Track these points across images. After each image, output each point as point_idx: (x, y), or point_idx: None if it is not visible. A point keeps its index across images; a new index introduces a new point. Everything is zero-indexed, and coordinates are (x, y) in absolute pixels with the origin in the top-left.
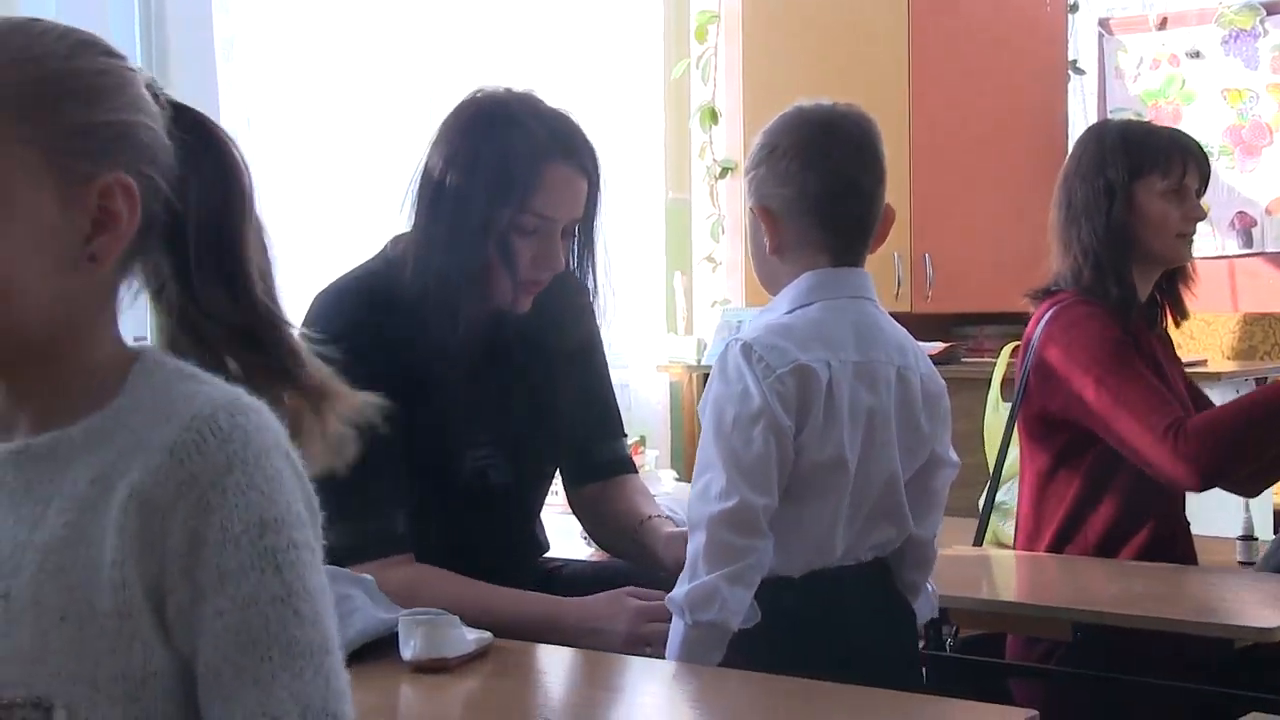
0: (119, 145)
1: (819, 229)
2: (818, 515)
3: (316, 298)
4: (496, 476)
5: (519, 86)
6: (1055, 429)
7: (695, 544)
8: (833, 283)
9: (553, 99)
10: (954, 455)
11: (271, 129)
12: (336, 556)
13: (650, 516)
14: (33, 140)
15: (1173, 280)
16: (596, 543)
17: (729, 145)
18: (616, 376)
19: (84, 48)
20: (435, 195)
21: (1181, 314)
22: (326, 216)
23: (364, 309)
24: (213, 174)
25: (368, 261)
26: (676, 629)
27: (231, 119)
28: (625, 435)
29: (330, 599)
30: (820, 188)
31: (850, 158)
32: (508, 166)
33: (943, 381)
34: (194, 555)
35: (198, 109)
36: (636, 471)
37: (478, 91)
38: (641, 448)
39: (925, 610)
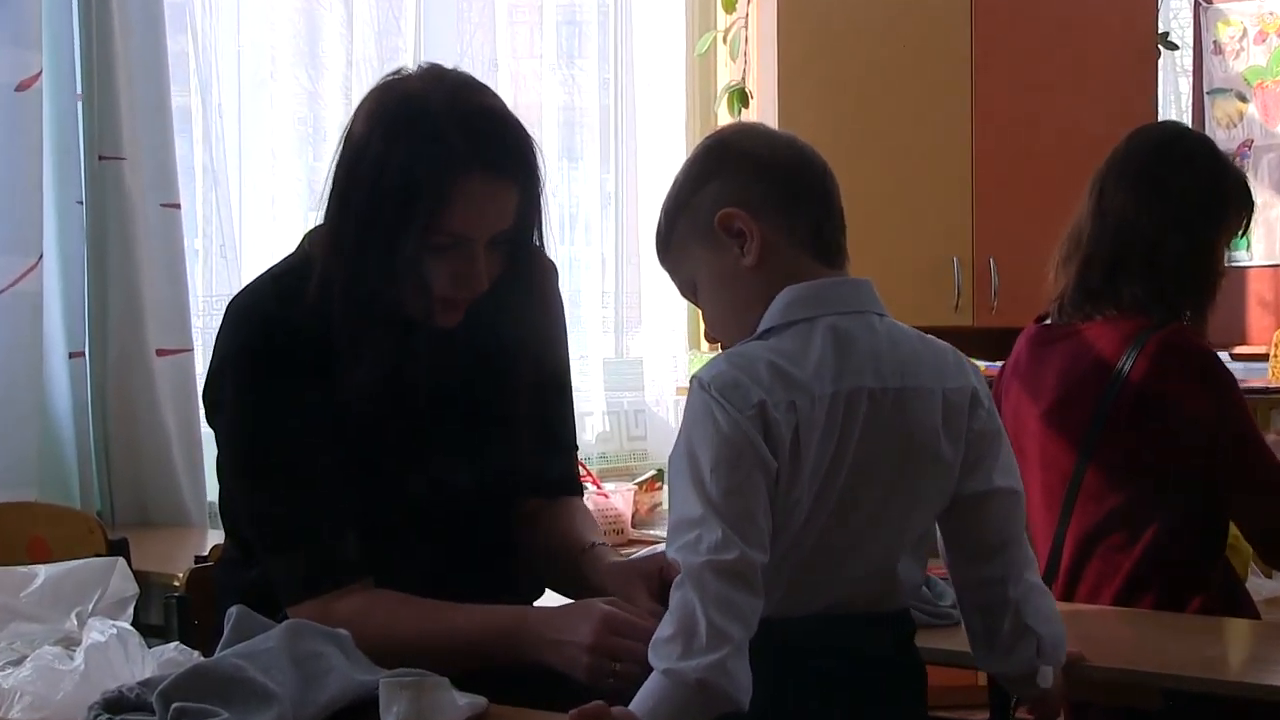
0: None
1: (801, 214)
2: None
3: (229, 306)
4: (457, 486)
5: (451, 64)
6: (1142, 472)
7: (687, 599)
8: (818, 298)
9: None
10: (1007, 480)
11: (235, 109)
12: (283, 592)
13: (593, 544)
14: None
15: None
16: (527, 565)
17: None
18: (632, 400)
19: None
20: (343, 198)
21: None
22: (293, 201)
23: (272, 319)
24: None
25: (286, 258)
26: (665, 692)
27: (183, 98)
28: (577, 449)
29: None
30: (794, 165)
31: (801, 145)
32: (415, 179)
33: (979, 395)
34: None
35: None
36: (582, 491)
37: (396, 74)
38: (659, 483)
39: (1021, 663)
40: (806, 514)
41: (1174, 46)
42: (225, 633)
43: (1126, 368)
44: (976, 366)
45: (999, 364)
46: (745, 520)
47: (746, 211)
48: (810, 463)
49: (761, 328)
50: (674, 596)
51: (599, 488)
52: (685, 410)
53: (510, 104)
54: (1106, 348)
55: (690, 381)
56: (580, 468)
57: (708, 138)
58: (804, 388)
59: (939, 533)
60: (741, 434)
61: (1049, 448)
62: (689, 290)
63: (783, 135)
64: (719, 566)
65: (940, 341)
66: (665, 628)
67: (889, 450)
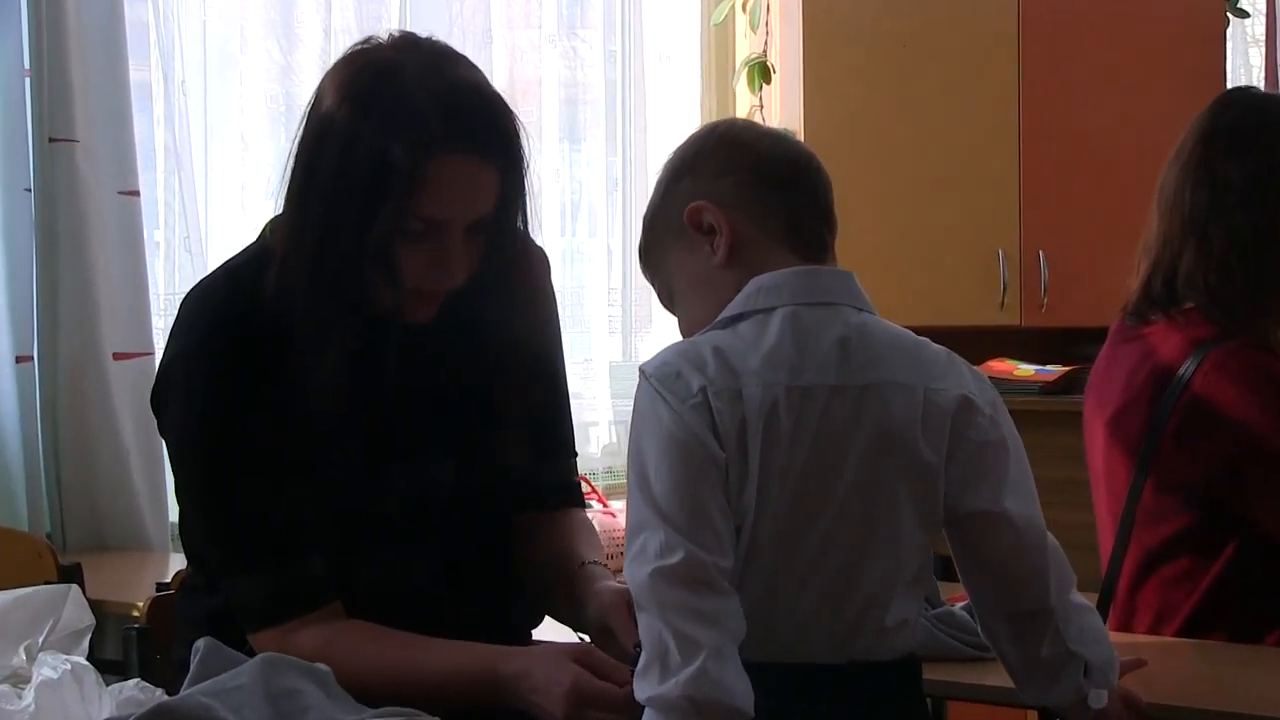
0: None
1: (777, 206)
2: None
3: (182, 302)
4: (437, 496)
5: (438, 35)
6: (1199, 491)
7: (650, 621)
8: (782, 286)
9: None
10: (1018, 505)
11: (200, 86)
12: (243, 618)
13: (587, 562)
14: None
15: None
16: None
17: (785, 111)
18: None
19: None
20: (307, 179)
21: None
22: (264, 188)
23: (228, 314)
24: None
25: (244, 249)
26: None
27: (142, 73)
28: (575, 456)
29: None
30: (771, 156)
31: (786, 137)
32: (387, 159)
33: (973, 401)
34: None
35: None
36: (584, 503)
37: (366, 42)
38: None
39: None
40: (758, 512)
41: (1244, 14)
42: (191, 668)
43: (1185, 377)
44: (982, 375)
45: (1050, 368)
46: (691, 518)
47: (716, 205)
48: (759, 456)
49: (722, 317)
50: (640, 622)
51: (605, 506)
52: (633, 405)
53: (506, 80)
54: (1169, 354)
55: (638, 373)
56: (583, 481)
57: (704, 131)
58: (753, 376)
59: (954, 560)
60: (685, 426)
61: (1111, 458)
62: (666, 297)
63: (769, 128)
64: (667, 573)
65: (936, 345)
66: (642, 658)
67: (857, 450)
